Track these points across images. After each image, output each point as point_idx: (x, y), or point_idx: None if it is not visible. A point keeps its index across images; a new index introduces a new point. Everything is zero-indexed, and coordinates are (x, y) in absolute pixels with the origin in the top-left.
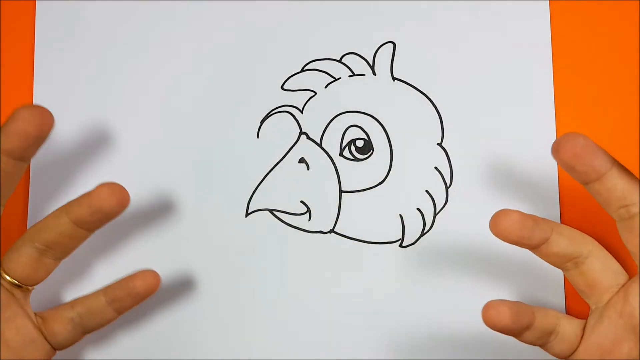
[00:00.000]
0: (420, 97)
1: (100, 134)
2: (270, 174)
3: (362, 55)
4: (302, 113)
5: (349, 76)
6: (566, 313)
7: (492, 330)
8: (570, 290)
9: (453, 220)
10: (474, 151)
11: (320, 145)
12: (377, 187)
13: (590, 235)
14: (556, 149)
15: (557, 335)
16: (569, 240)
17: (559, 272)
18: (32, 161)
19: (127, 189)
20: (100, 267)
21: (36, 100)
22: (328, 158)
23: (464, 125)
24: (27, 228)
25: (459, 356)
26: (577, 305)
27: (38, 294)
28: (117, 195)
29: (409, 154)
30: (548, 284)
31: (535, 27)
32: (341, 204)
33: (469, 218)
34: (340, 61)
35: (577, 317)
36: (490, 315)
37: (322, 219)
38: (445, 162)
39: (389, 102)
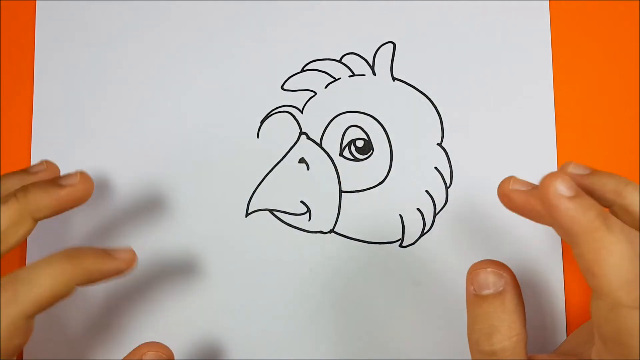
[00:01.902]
0: (420, 97)
1: (99, 133)
2: (270, 174)
3: (362, 55)
4: (302, 113)
5: (349, 76)
6: (565, 311)
7: None
8: (570, 291)
9: (453, 220)
10: (474, 151)
11: (320, 145)
12: (377, 187)
13: None
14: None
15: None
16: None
17: (559, 272)
18: (32, 161)
19: (127, 189)
20: None
21: (36, 100)
22: (328, 158)
23: (464, 125)
24: None
25: (459, 356)
26: (577, 309)
27: None
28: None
29: (409, 154)
30: (548, 283)
31: (535, 27)
32: (341, 204)
33: (469, 218)
34: (340, 61)
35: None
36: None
37: (322, 219)
38: (445, 162)
39: (389, 102)
